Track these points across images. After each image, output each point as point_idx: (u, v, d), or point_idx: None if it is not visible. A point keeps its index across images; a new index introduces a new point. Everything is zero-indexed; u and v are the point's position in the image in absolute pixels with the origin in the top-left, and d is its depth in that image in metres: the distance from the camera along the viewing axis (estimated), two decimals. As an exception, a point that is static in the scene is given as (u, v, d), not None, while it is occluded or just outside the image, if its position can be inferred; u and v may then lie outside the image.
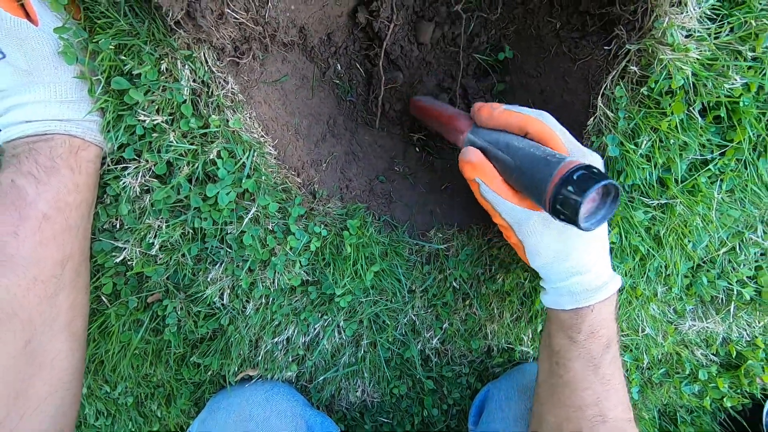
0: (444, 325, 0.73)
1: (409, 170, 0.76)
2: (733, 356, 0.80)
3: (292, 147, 0.63)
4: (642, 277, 0.68)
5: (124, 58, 0.45)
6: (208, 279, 0.62)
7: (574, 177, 0.37)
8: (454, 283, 0.69)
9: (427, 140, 0.77)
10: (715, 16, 0.49)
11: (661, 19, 0.46)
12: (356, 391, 0.79)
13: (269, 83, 0.60)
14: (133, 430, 0.83)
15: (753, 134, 0.54)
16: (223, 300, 0.64)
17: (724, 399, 0.82)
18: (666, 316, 0.75)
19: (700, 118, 0.54)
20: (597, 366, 0.50)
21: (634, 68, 0.51)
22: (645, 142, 0.55)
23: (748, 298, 0.71)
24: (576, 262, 0.48)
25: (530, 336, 0.76)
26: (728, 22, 0.49)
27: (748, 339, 0.80)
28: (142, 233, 0.56)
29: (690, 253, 0.67)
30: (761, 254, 0.70)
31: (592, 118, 0.56)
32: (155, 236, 0.57)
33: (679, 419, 0.90)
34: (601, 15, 0.54)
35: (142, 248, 0.58)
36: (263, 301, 0.65)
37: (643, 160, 0.57)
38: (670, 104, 0.51)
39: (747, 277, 0.70)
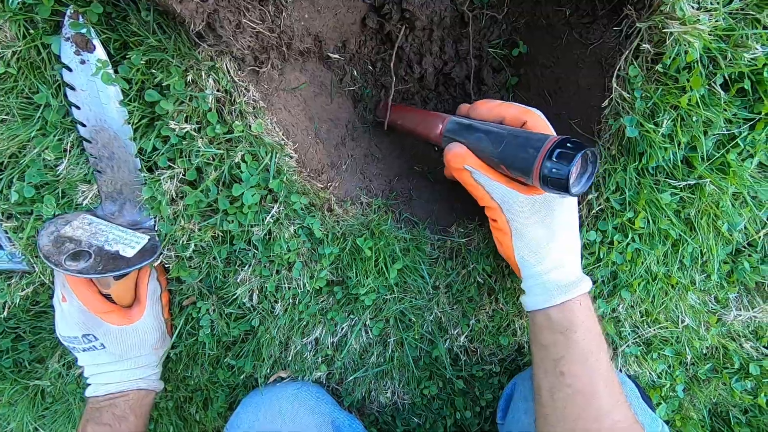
0: (471, 322, 0.72)
1: (428, 168, 0.77)
2: (787, 348, 0.74)
3: (313, 150, 0.65)
4: (676, 264, 0.65)
5: (154, 71, 0.49)
6: (238, 280, 0.64)
7: (560, 149, 0.42)
8: (479, 278, 0.69)
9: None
10: (727, -14, 0.48)
11: (669, -7, 0.45)
12: (386, 392, 0.79)
13: (288, 90, 0.64)
14: (174, 434, 0.86)
15: (782, 105, 0.52)
16: (252, 301, 0.66)
17: (782, 395, 0.77)
18: (707, 305, 0.72)
19: (722, 92, 0.53)
20: (599, 369, 0.49)
21: (647, 46, 0.51)
22: (665, 121, 0.54)
23: (796, 282, 0.67)
24: (557, 252, 0.51)
25: (562, 331, 0.74)
26: (742, -9, 0.47)
27: (804, 329, 0.75)
28: (177, 237, 0.60)
29: (727, 237, 0.64)
30: (808, 235, 0.66)
31: (607, 101, 0.55)
32: (189, 239, 0.60)
33: (732, 420, 0.85)
34: (609, -3, 0.54)
35: (177, 251, 0.61)
36: (290, 301, 0.67)
37: (665, 140, 0.55)
38: (687, 80, 0.50)
39: (794, 260, 0.66)
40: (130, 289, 0.62)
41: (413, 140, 0.80)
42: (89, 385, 0.63)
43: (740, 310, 0.72)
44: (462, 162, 0.53)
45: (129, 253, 0.56)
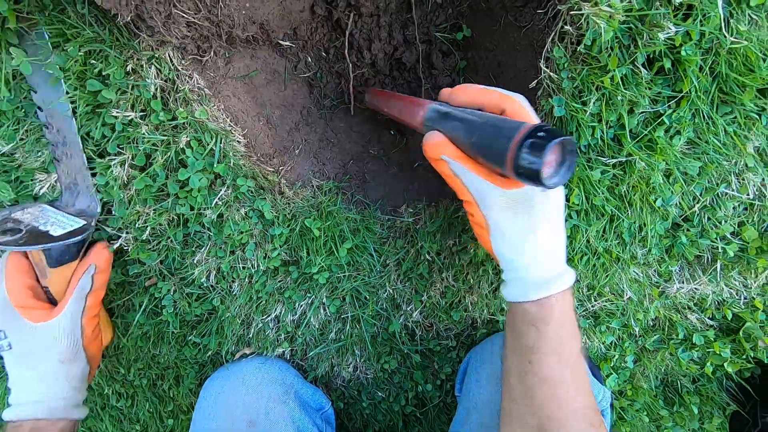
0: (423, 298, 0.75)
1: (383, 152, 0.80)
2: (729, 319, 0.77)
3: (263, 135, 0.68)
4: (614, 239, 0.68)
5: (93, 62, 0.51)
6: (195, 261, 0.68)
7: (533, 138, 0.38)
8: (428, 256, 0.72)
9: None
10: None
11: (581, -24, 0.47)
12: (348, 367, 0.83)
13: (237, 78, 0.66)
14: (151, 410, 0.91)
15: (697, 83, 0.54)
16: (210, 281, 0.69)
17: (726, 365, 0.80)
18: (650, 279, 0.74)
19: (645, 71, 0.55)
20: (569, 359, 0.50)
21: (569, 28, 0.53)
22: (592, 100, 0.56)
23: (732, 255, 0.69)
24: (536, 249, 0.49)
25: (513, 306, 0.77)
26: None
27: (746, 300, 0.78)
28: (133, 220, 0.63)
29: (662, 212, 0.66)
30: (744, 208, 0.68)
31: (536, 81, 0.57)
32: (144, 222, 0.63)
33: (681, 388, 0.88)
34: (536, -20, 0.55)
35: (135, 234, 0.65)
36: (246, 280, 0.70)
37: (594, 119, 0.57)
38: (608, 60, 0.52)
39: (730, 233, 0.68)
40: (66, 281, 0.59)
41: (370, 124, 0.82)
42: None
43: (682, 282, 0.75)
44: (439, 152, 0.49)
45: (57, 232, 0.55)
